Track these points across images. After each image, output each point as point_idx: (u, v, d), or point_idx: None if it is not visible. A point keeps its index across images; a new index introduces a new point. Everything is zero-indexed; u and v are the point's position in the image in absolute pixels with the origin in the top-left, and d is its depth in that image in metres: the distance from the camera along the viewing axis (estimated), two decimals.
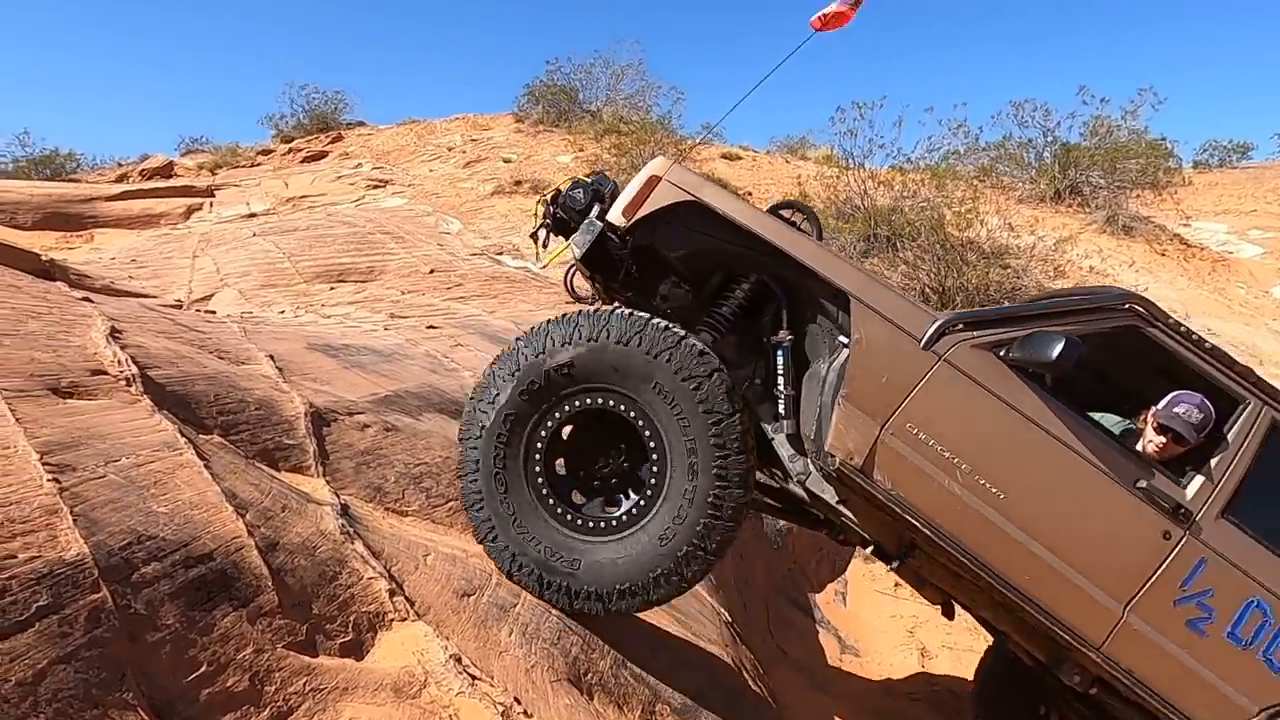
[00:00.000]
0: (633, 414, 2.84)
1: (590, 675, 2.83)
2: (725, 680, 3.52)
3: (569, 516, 2.87)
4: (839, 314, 3.03)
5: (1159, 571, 2.83)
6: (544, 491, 2.87)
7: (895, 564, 3.16)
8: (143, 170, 16.23)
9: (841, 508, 3.12)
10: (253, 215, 13.27)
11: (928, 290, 11.11)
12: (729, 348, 3.23)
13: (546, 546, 2.84)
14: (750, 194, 15.92)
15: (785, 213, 3.57)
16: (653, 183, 3.05)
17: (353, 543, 2.57)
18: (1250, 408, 3.02)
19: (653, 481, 2.85)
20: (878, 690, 5.28)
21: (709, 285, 3.27)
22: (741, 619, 4.73)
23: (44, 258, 5.09)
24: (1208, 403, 3.03)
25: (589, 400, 2.85)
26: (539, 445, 2.87)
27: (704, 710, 3.16)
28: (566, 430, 2.97)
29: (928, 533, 2.88)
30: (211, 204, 14.05)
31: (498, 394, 2.86)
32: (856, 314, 2.92)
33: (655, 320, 2.84)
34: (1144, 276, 14.12)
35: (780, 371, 3.14)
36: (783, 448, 3.17)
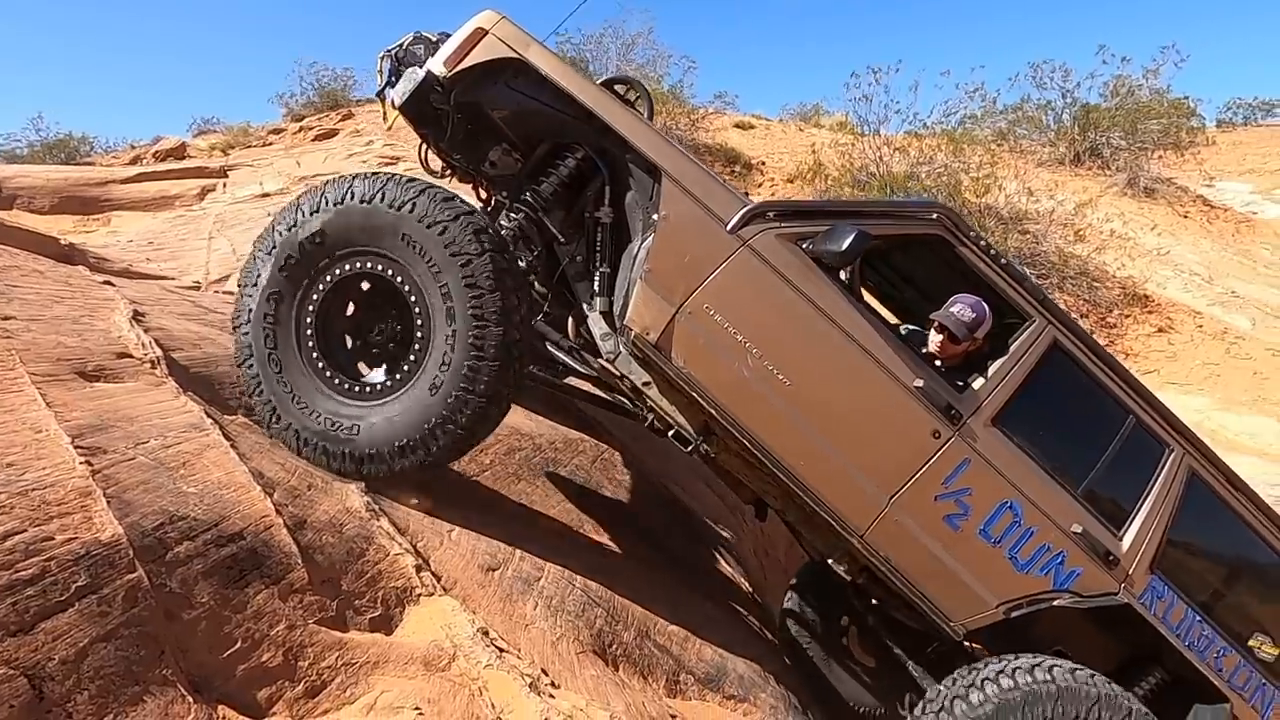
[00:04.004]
0: (390, 272, 2.79)
1: (615, 646, 2.87)
2: (747, 647, 3.56)
3: (346, 385, 2.83)
4: (654, 191, 3.02)
5: (924, 467, 2.96)
6: (319, 364, 2.83)
7: (691, 448, 3.19)
8: (156, 152, 16.24)
9: (647, 390, 3.15)
10: (266, 195, 13.28)
11: None
12: (557, 222, 3.25)
13: (327, 418, 2.78)
14: (764, 163, 15.76)
15: (620, 89, 3.57)
16: (478, 35, 3.03)
17: (379, 519, 2.60)
18: (1034, 325, 3.14)
19: (419, 335, 2.80)
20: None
21: (536, 155, 3.25)
22: (762, 589, 4.76)
23: (64, 242, 5.13)
24: (984, 305, 3.15)
25: (347, 266, 2.81)
26: (309, 318, 2.83)
27: (726, 677, 3.20)
28: (345, 302, 2.93)
29: (714, 413, 2.96)
30: (225, 184, 14.07)
31: (259, 274, 2.82)
32: (667, 191, 2.95)
33: (396, 175, 2.80)
34: (1166, 239, 13.89)
35: (598, 248, 3.17)
36: (596, 325, 3.20)
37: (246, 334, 2.84)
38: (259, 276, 2.81)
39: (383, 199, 2.72)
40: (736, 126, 17.77)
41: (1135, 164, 15.81)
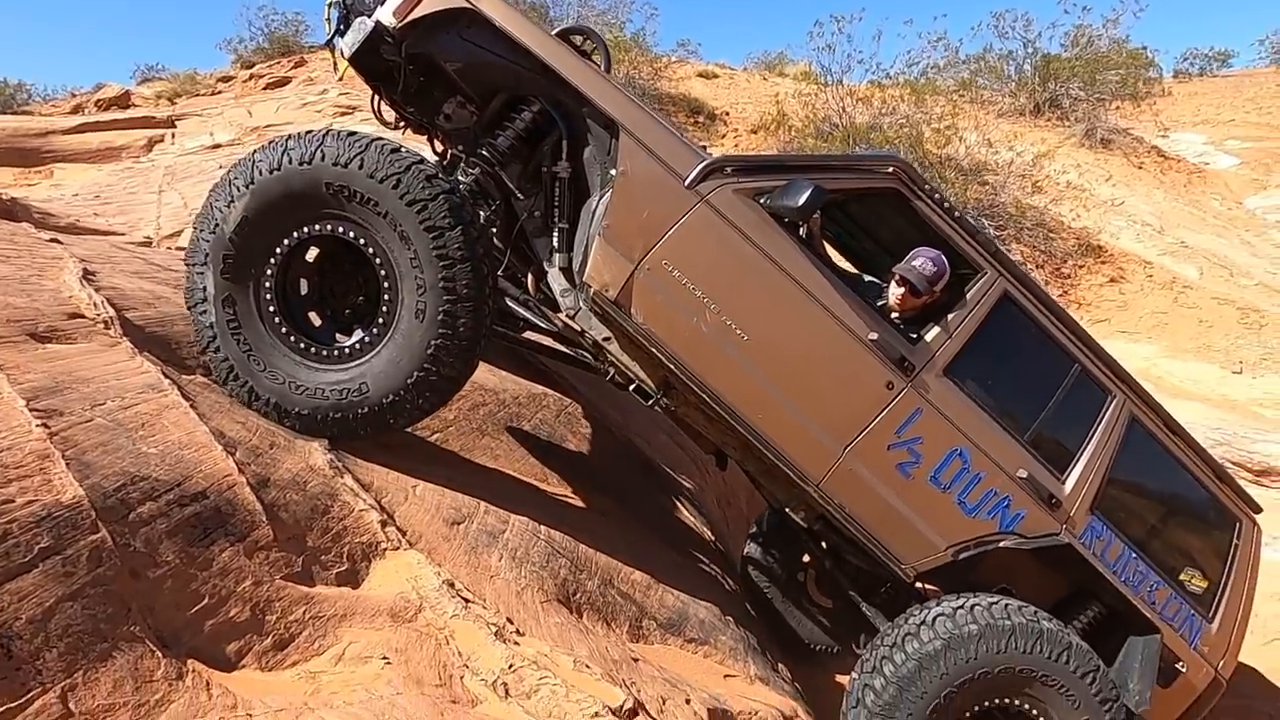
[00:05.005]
0: (353, 234, 2.72)
1: (579, 595, 2.95)
2: (708, 593, 3.68)
3: (303, 345, 2.76)
4: (612, 145, 3.01)
5: (878, 418, 3.06)
6: (303, 345, 2.77)
7: (651, 402, 3.25)
8: (98, 101, 15.58)
9: (608, 346, 3.19)
10: (217, 146, 12.86)
11: None
12: (515, 176, 3.21)
13: (333, 389, 2.73)
14: (728, 114, 15.62)
15: (577, 39, 3.50)
16: None
17: (342, 476, 2.62)
18: (986, 277, 3.23)
19: (385, 307, 2.75)
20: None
21: (492, 108, 3.18)
22: (724, 537, 4.89)
23: (5, 196, 4.97)
24: (944, 259, 3.21)
25: (315, 228, 2.72)
26: (269, 279, 2.74)
27: (688, 622, 3.31)
28: (299, 280, 2.85)
29: (673, 368, 3.01)
30: (173, 135, 13.59)
31: (218, 224, 2.68)
32: (624, 146, 2.94)
33: (335, 131, 2.70)
34: (1121, 190, 14.13)
35: (557, 203, 3.16)
36: (556, 281, 3.22)
37: (202, 281, 2.74)
38: (217, 226, 2.71)
39: (323, 158, 2.64)
40: (700, 76, 17.54)
41: (1093, 115, 15.97)
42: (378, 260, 2.74)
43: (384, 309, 2.77)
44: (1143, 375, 8.45)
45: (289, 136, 2.72)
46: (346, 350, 2.80)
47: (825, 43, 13.90)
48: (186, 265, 2.79)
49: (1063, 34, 16.93)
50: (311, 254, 2.88)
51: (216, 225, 2.71)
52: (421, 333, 2.72)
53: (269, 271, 2.76)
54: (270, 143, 2.74)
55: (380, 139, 2.74)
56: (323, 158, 2.65)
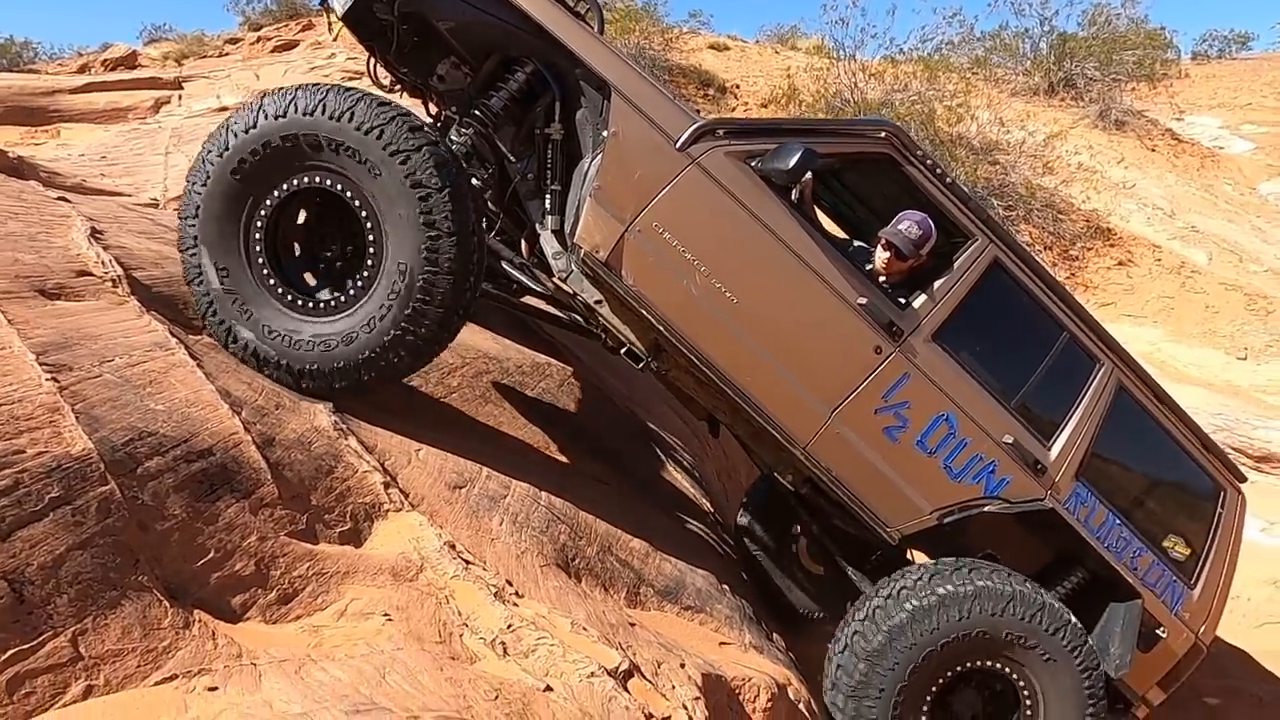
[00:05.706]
0: (346, 190, 2.69)
1: (578, 560, 2.99)
2: (706, 562, 3.72)
3: (289, 296, 2.75)
4: (604, 107, 3.00)
5: (866, 382, 3.08)
6: (264, 272, 2.75)
7: (642, 365, 3.26)
8: (105, 60, 15.49)
9: (599, 308, 3.19)
10: (224, 109, 12.78)
11: None
12: (508, 139, 3.21)
13: (265, 326, 2.70)
14: (738, 86, 15.48)
15: (570, 1, 3.45)
16: None
17: (346, 438, 2.65)
18: (976, 243, 3.23)
19: (369, 263, 2.73)
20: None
21: (485, 68, 3.16)
22: (723, 509, 4.94)
23: (12, 155, 4.97)
24: (930, 222, 3.21)
25: (305, 179, 2.69)
26: (258, 226, 2.72)
27: (685, 590, 3.36)
28: (301, 213, 2.85)
29: (663, 330, 3.01)
30: (180, 97, 13.51)
31: (209, 175, 2.68)
32: (616, 107, 2.93)
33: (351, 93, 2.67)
34: (1133, 172, 14.01)
35: (549, 166, 3.15)
36: (548, 244, 3.22)
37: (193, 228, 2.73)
38: (209, 177, 2.68)
39: (323, 111, 2.60)
40: (711, 48, 17.34)
41: (1108, 96, 15.81)
42: (348, 195, 2.69)
43: (369, 250, 2.73)
44: (1147, 359, 8.45)
45: (241, 106, 2.70)
46: (351, 294, 2.77)
47: (839, 17, 13.88)
48: (181, 250, 2.78)
49: (1080, 12, 16.81)
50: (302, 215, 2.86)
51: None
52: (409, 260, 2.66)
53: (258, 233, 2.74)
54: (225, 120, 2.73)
55: (337, 86, 2.71)
56: (281, 114, 2.61)
